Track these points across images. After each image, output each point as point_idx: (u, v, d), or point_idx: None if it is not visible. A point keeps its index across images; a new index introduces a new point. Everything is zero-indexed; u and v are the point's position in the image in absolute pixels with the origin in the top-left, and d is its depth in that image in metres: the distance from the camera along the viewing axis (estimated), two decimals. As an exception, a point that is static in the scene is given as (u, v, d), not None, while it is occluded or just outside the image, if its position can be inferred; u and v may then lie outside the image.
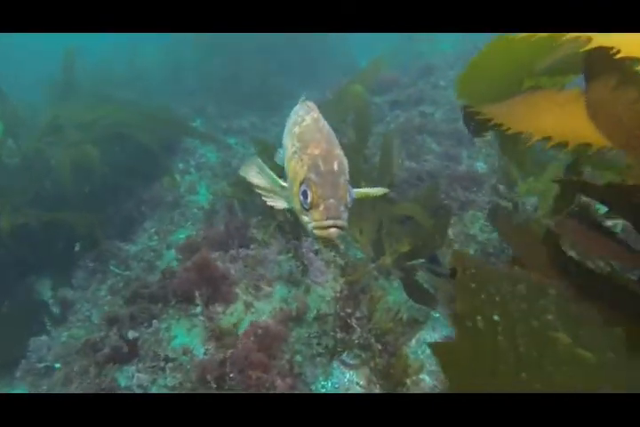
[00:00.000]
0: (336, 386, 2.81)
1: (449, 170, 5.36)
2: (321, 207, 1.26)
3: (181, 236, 4.77)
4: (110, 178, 5.06)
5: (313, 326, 3.00)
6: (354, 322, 3.06)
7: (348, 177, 1.35)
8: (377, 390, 2.83)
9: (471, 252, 4.01)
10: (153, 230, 4.91)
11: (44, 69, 7.16)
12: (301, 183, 1.31)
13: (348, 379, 2.87)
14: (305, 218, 1.32)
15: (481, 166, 5.48)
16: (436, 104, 6.77)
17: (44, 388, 3.31)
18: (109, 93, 6.80)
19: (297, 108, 1.81)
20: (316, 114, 1.59)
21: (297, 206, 1.35)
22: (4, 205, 4.35)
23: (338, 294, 3.22)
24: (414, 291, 3.57)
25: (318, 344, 2.92)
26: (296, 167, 1.39)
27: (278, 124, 7.67)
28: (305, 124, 1.55)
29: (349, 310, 3.09)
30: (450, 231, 4.59)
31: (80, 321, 3.99)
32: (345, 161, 1.39)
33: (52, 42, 9.08)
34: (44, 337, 3.87)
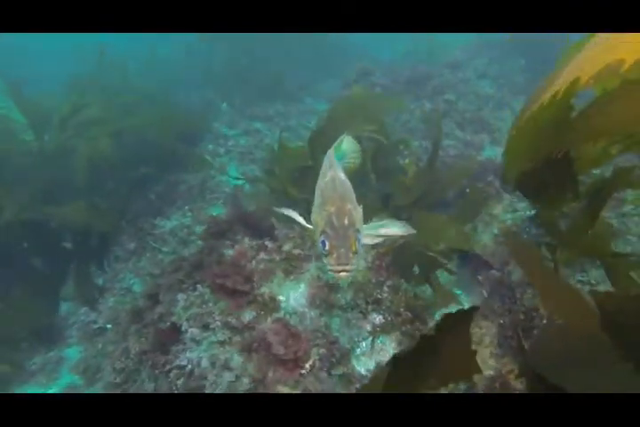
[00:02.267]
0: (370, 348, 3.02)
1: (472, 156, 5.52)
2: (334, 255, 1.57)
3: (213, 213, 5.00)
4: (144, 161, 5.32)
5: (348, 293, 3.20)
6: (385, 290, 3.27)
7: (357, 227, 1.64)
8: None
9: (495, 231, 4.18)
10: (187, 208, 5.14)
11: (61, 65, 7.31)
12: (321, 234, 1.64)
13: (381, 341, 3.07)
14: (324, 260, 1.63)
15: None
16: (459, 93, 6.88)
17: (99, 345, 3.59)
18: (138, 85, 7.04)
19: (329, 152, 2.13)
20: (333, 172, 1.91)
21: (318, 250, 1.69)
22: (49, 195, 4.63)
23: (370, 265, 3.42)
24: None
25: (352, 309, 3.12)
26: (317, 219, 1.73)
27: (303, 112, 7.85)
28: (326, 179, 1.90)
29: (381, 279, 3.29)
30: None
31: (123, 289, 4.25)
32: (354, 213, 1.68)
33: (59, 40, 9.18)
34: (85, 308, 4.15)
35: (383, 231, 1.91)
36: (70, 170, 4.94)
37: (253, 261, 3.20)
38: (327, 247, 1.60)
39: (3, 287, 4.19)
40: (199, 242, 4.00)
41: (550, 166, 1.90)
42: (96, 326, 3.86)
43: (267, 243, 3.39)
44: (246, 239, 3.42)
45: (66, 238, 4.57)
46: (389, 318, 3.12)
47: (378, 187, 4.44)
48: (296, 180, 4.17)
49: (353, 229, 1.62)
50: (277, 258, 3.32)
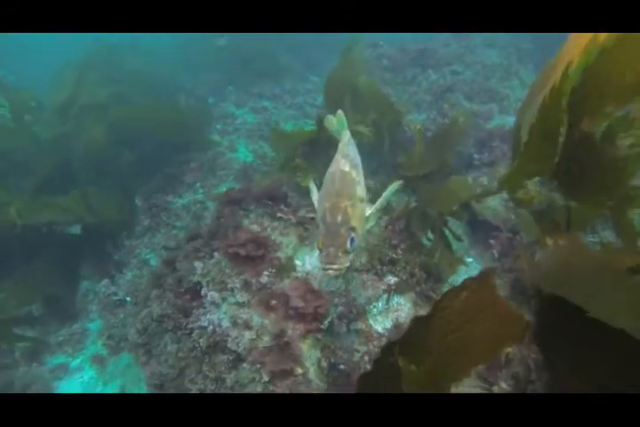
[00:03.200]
0: (386, 307, 3.08)
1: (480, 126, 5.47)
2: (324, 253, 1.57)
3: (225, 189, 5.04)
4: (153, 140, 5.36)
5: (362, 255, 3.25)
6: (399, 253, 3.30)
7: (353, 224, 1.62)
8: (422, 312, 3.09)
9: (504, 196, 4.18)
10: (198, 185, 5.19)
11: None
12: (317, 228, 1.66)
13: (397, 301, 3.13)
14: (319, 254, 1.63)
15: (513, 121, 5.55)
16: (466, 64, 6.77)
17: (121, 316, 3.69)
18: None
19: (345, 136, 2.11)
20: (337, 164, 1.87)
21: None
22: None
23: (383, 229, 3.45)
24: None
25: (368, 271, 3.17)
26: (318, 210, 1.74)
27: (310, 90, 7.79)
28: (331, 170, 1.87)
29: (395, 242, 3.32)
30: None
31: (140, 263, 4.34)
32: (351, 210, 1.65)
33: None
34: (106, 280, 4.26)
35: (381, 204, 1.92)
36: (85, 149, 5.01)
37: (268, 228, 3.25)
38: (318, 244, 1.60)
39: (27, 265, 4.31)
40: (214, 214, 4.06)
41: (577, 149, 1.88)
42: (116, 298, 3.97)
43: (280, 211, 3.44)
44: (260, 208, 3.46)
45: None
46: (404, 278, 3.17)
47: (390, 157, 4.44)
48: (306, 154, 4.19)
49: (346, 228, 1.60)
50: (291, 224, 3.37)
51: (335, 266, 1.56)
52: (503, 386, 2.50)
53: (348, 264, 1.61)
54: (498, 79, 6.36)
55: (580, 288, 1.38)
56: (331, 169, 1.88)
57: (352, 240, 1.60)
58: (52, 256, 4.48)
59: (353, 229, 1.61)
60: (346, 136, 2.11)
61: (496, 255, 3.79)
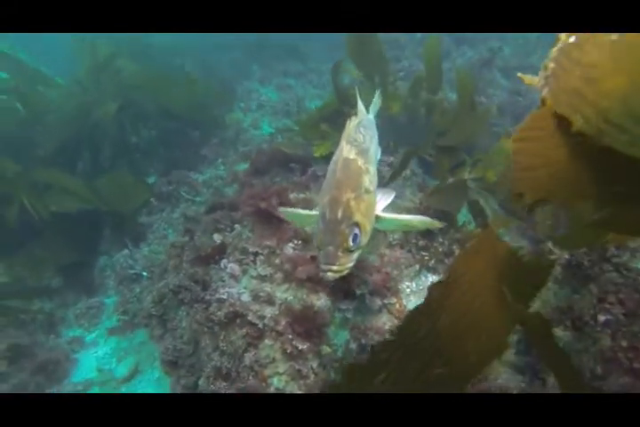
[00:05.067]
0: (420, 287, 2.81)
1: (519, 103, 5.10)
2: (322, 253, 1.41)
3: (246, 166, 4.83)
4: (173, 115, 5.18)
5: (396, 232, 2.98)
6: (436, 231, 3.02)
7: (356, 219, 1.43)
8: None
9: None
10: (220, 161, 5.00)
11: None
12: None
13: (431, 282, 2.85)
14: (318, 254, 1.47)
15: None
16: (504, 40, 6.35)
17: (137, 290, 3.54)
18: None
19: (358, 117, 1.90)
20: (340, 152, 1.67)
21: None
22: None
23: (418, 206, 3.17)
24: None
25: (402, 247, 2.90)
26: (318, 205, 1.58)
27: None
28: (334, 158, 1.69)
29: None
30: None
31: (158, 238, 4.18)
32: (355, 203, 1.47)
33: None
34: (125, 251, 4.10)
35: (403, 219, 1.75)
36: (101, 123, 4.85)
37: (291, 195, 3.01)
38: (317, 243, 1.44)
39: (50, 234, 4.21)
40: (235, 186, 3.86)
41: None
42: (132, 272, 3.81)
43: (304, 178, 3.20)
44: (284, 174, 3.24)
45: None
46: (440, 257, 2.89)
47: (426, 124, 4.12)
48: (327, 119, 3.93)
49: (348, 224, 1.41)
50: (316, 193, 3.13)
51: (335, 267, 1.39)
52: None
53: (350, 264, 1.43)
54: (539, 56, 5.94)
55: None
56: (334, 157, 1.70)
57: (355, 237, 1.41)
58: (65, 228, 4.36)
59: (356, 224, 1.42)
60: (358, 117, 1.89)
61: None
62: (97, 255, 4.41)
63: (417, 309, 1.84)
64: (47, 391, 3.36)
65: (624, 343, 2.07)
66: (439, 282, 1.91)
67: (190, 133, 5.42)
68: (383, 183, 3.37)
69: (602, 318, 2.14)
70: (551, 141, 1.19)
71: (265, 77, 6.93)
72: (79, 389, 3.38)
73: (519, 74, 1.51)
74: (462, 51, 6.18)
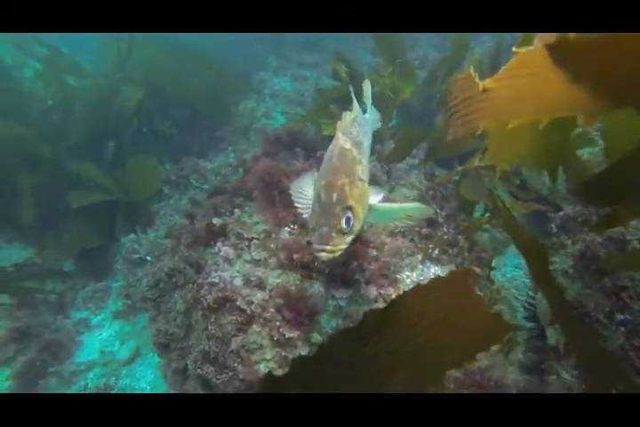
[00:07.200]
0: (421, 278, 2.68)
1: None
2: (316, 233, 1.44)
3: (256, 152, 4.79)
4: (187, 104, 5.17)
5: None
6: (441, 219, 2.88)
7: (349, 203, 1.47)
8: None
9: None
10: (230, 149, 4.97)
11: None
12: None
13: (433, 273, 2.72)
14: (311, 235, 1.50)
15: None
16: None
17: (139, 275, 3.56)
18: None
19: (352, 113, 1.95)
20: (336, 141, 1.71)
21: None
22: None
23: (424, 194, 3.04)
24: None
25: (404, 237, 2.78)
26: (314, 189, 1.63)
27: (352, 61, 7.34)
28: (330, 147, 1.74)
29: (435, 207, 2.90)
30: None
31: (164, 224, 4.19)
32: (349, 188, 1.52)
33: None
34: (132, 236, 4.13)
35: (396, 207, 1.76)
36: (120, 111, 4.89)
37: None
38: (311, 224, 1.48)
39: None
40: (240, 171, 3.82)
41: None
42: (136, 256, 3.83)
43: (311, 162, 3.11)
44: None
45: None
46: (444, 247, 2.75)
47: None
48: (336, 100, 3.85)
49: (342, 207, 1.47)
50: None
51: (328, 247, 1.43)
52: (564, 376, 2.07)
53: (344, 246, 1.46)
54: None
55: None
56: (330, 146, 1.77)
57: (348, 220, 1.46)
58: (90, 215, 4.43)
59: (350, 208, 1.48)
60: (353, 113, 1.95)
61: (554, 229, 3.25)
62: (113, 241, 4.48)
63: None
64: (50, 370, 3.43)
65: (637, 342, 1.93)
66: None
67: (203, 121, 5.42)
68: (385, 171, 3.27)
69: (620, 316, 1.99)
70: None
71: (280, 68, 6.87)
72: (82, 369, 3.45)
73: (514, 48, 1.41)
74: (481, 40, 5.95)
